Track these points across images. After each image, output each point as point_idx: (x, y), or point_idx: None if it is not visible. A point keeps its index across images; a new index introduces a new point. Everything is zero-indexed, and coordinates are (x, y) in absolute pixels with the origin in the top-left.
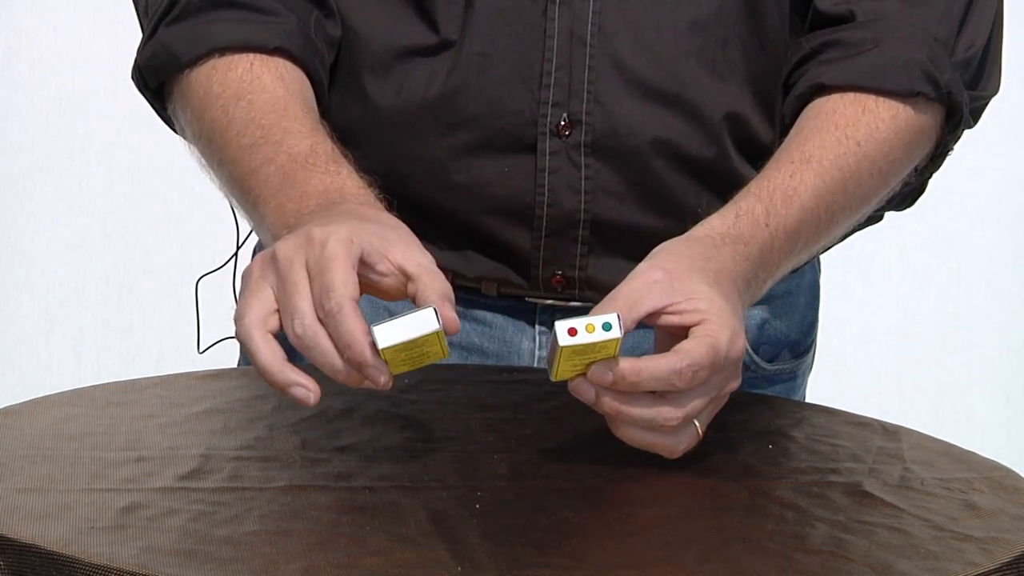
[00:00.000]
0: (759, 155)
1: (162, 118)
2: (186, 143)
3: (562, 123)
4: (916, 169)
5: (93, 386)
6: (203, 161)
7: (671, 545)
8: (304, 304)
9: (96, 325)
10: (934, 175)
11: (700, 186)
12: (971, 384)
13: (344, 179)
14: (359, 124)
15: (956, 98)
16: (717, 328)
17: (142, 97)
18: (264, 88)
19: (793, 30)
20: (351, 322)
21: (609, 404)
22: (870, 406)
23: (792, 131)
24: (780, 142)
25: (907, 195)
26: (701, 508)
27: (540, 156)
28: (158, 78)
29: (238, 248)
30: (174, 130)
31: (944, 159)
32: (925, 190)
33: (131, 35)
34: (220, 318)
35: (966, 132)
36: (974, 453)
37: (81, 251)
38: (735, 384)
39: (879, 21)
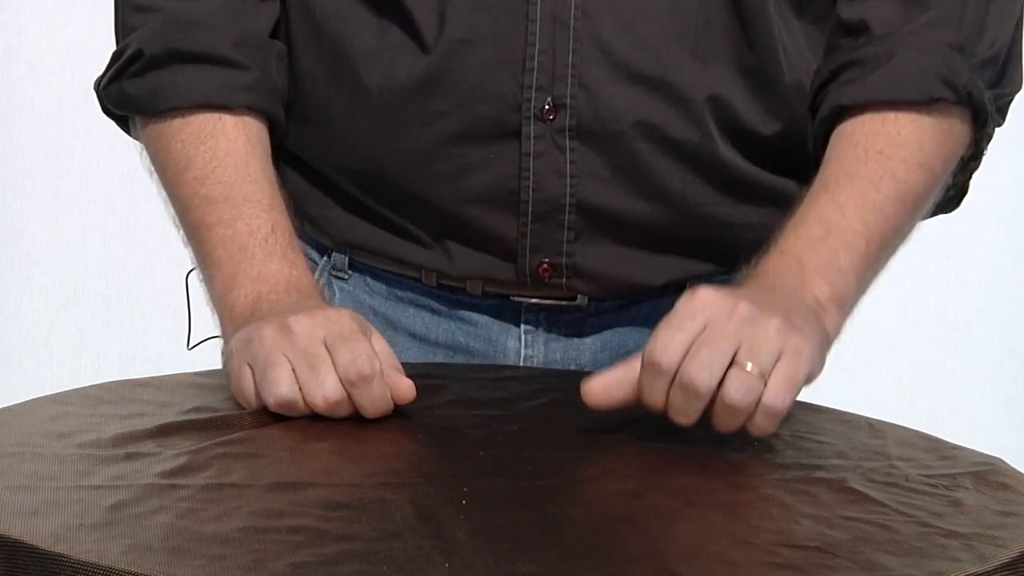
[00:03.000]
0: (745, 139)
1: (120, 127)
2: (145, 162)
3: (546, 107)
4: (953, 173)
5: (84, 385)
6: (158, 184)
7: (657, 540)
8: (332, 377)
9: (96, 325)
10: (974, 174)
11: (685, 169)
12: (971, 384)
13: (302, 273)
14: (344, 116)
15: (977, 98)
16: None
17: None
18: (226, 134)
19: (784, 19)
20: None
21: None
22: (870, 406)
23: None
24: (815, 169)
25: (952, 198)
26: (687, 504)
27: (525, 141)
28: (121, 113)
29: None
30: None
31: (980, 158)
32: (968, 190)
33: None
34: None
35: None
36: (960, 448)
37: (81, 251)
38: (773, 322)
39: (891, 35)
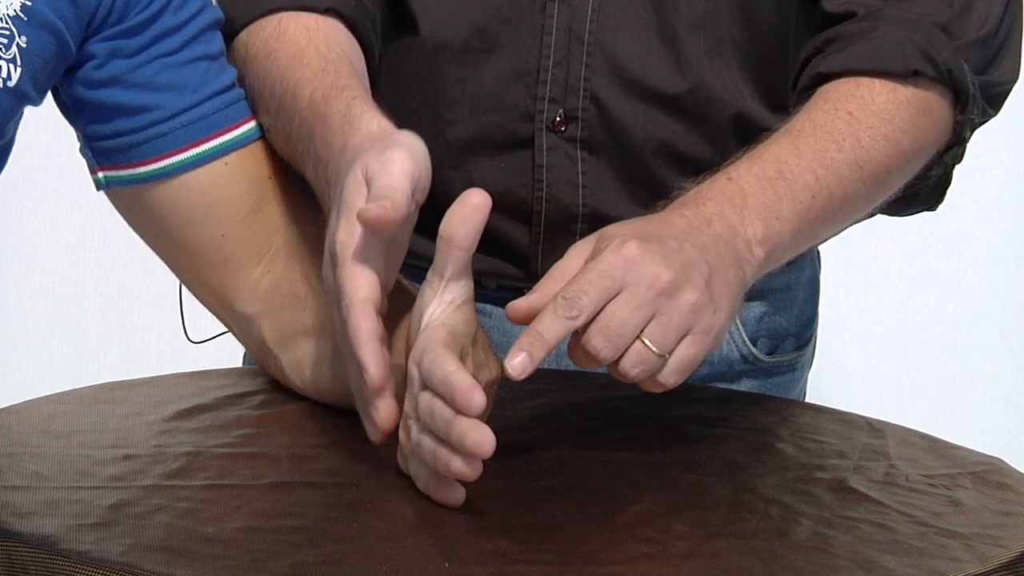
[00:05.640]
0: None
1: None
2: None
3: (558, 119)
4: (939, 156)
5: (83, 386)
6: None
7: (656, 541)
8: None
9: (96, 325)
10: (957, 166)
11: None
12: (971, 384)
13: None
14: None
15: (958, 78)
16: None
17: None
18: (288, 41)
19: (798, 32)
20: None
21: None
22: (870, 406)
23: None
24: None
25: (934, 189)
26: (686, 504)
27: (538, 152)
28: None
29: None
30: None
31: (964, 147)
32: (951, 183)
33: None
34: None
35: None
36: (960, 447)
37: (81, 251)
38: (689, 296)
39: (876, 13)
